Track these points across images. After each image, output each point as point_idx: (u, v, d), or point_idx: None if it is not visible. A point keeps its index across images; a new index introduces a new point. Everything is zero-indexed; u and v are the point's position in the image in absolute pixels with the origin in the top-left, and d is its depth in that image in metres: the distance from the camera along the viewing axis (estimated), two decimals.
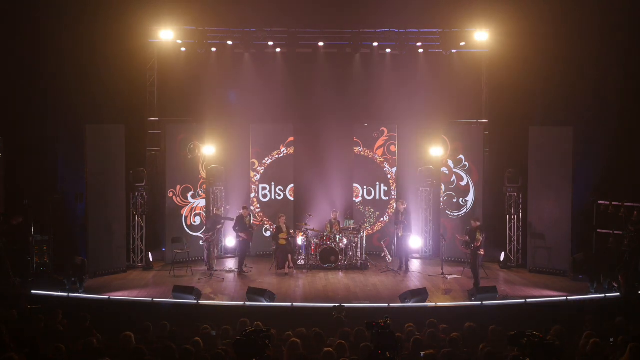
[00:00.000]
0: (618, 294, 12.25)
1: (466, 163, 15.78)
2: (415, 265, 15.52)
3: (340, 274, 14.62)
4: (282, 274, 14.40)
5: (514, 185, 15.37)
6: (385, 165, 16.77)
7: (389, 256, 15.13)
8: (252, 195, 16.57)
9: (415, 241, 16.04)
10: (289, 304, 11.71)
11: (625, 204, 13.51)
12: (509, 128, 16.23)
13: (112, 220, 14.46)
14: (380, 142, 16.76)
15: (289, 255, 14.71)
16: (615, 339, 7.85)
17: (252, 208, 16.43)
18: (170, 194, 15.63)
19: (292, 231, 15.12)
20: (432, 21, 16.25)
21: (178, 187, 15.72)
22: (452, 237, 15.13)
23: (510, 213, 15.50)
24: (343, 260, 14.97)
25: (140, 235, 15.37)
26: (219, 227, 14.78)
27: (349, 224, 15.82)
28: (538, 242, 14.71)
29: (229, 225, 15.77)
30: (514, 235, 15.50)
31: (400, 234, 14.75)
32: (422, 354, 7.20)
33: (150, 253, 15.34)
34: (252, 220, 15.38)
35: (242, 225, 14.72)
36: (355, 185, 16.86)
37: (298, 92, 16.50)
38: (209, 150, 16.06)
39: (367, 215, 16.79)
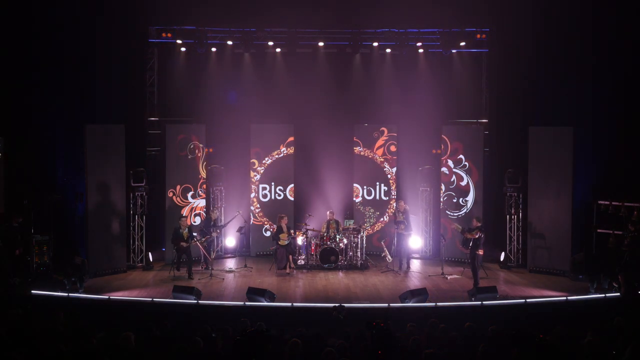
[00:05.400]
0: (618, 294, 12.25)
1: (466, 163, 15.77)
2: (415, 265, 15.51)
3: (340, 274, 14.62)
4: (282, 274, 14.39)
5: (514, 185, 15.35)
6: (385, 165, 16.77)
7: (389, 256, 15.12)
8: (252, 195, 16.57)
9: (415, 241, 16.06)
10: (289, 304, 11.70)
11: (625, 204, 13.50)
12: (509, 128, 16.25)
13: (112, 220, 14.44)
14: (380, 142, 16.75)
15: (290, 256, 14.70)
16: (616, 339, 7.84)
17: (252, 208, 16.44)
18: (170, 194, 15.63)
19: (292, 231, 15.11)
20: (432, 21, 16.28)
21: (178, 187, 15.71)
22: (452, 237, 15.14)
23: (510, 213, 15.49)
24: (343, 260, 14.97)
25: (140, 235, 15.36)
26: (212, 231, 14.87)
27: (349, 224, 15.81)
28: (538, 242, 14.70)
29: (228, 225, 15.78)
30: (514, 235, 15.49)
31: (400, 233, 14.80)
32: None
33: (150, 253, 15.34)
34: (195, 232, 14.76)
35: (178, 237, 14.29)
36: (355, 185, 16.85)
37: (298, 92, 16.48)
38: (209, 150, 16.05)
39: (367, 215, 16.78)
